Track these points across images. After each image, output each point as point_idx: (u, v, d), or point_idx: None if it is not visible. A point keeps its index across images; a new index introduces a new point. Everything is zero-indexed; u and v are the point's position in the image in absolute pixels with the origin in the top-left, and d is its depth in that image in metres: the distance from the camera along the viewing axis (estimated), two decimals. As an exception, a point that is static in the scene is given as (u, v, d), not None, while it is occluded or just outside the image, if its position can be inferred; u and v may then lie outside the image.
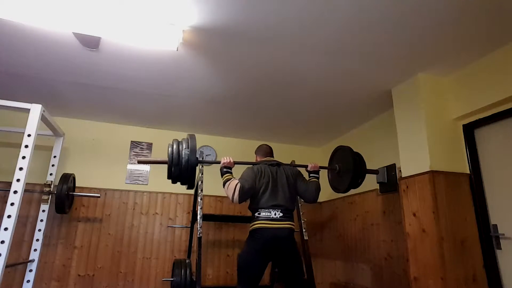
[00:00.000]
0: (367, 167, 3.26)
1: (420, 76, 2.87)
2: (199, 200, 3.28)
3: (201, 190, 3.35)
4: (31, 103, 2.91)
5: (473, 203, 2.67)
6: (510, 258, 2.43)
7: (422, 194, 2.67)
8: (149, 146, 4.46)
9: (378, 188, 3.64)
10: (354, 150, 3.18)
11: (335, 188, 3.18)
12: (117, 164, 4.27)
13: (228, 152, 4.67)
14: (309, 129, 4.43)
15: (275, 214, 2.44)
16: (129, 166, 4.32)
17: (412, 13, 2.14)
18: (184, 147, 2.54)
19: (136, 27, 2.28)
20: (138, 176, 4.32)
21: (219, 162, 2.71)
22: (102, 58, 2.80)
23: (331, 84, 3.13)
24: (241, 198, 2.46)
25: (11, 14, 2.11)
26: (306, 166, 2.90)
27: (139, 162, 2.70)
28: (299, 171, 2.83)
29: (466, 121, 2.81)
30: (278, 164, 2.74)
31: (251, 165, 2.75)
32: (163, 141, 4.50)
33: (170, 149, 2.59)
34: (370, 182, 3.72)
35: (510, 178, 2.48)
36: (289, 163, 3.64)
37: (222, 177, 2.62)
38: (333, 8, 2.11)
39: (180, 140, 2.68)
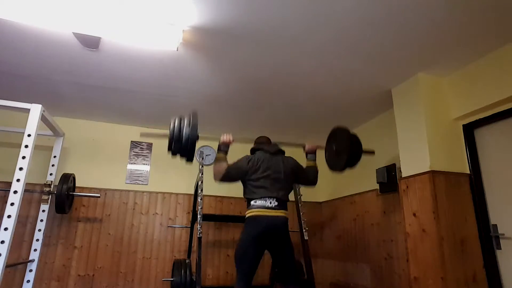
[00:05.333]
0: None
1: (420, 76, 2.87)
2: (199, 200, 3.28)
3: (201, 190, 3.36)
4: (31, 103, 2.91)
5: (473, 203, 2.67)
6: (510, 258, 2.43)
7: (422, 194, 2.67)
8: (149, 146, 4.46)
9: (378, 188, 3.64)
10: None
11: (332, 167, 3.15)
12: (117, 164, 4.27)
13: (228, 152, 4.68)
14: (309, 129, 4.43)
15: (270, 203, 2.49)
16: (129, 166, 4.32)
17: (412, 13, 2.14)
18: (185, 123, 2.58)
19: (136, 27, 2.28)
20: (138, 176, 4.32)
21: (219, 138, 2.72)
22: (102, 58, 2.80)
23: (331, 84, 3.13)
24: (222, 181, 2.61)
25: (11, 14, 2.11)
26: (303, 146, 2.91)
27: (142, 135, 2.75)
28: (297, 164, 2.79)
29: (466, 121, 2.81)
30: (277, 151, 2.71)
31: (249, 156, 2.73)
32: (163, 141, 4.49)
33: (172, 124, 2.61)
34: (370, 182, 3.73)
35: (510, 178, 2.48)
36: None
37: (217, 153, 2.72)
38: (333, 8, 2.11)
39: (182, 116, 2.68)
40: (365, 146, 4.03)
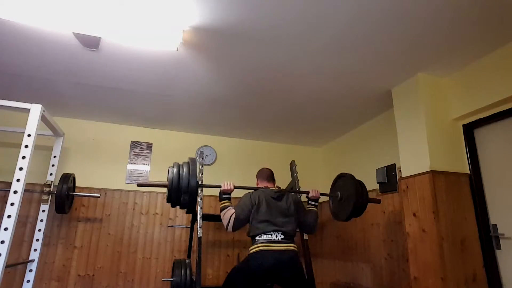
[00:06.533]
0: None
1: (420, 76, 2.87)
2: (199, 200, 3.28)
3: (201, 190, 3.35)
4: (31, 103, 2.91)
5: (473, 203, 2.68)
6: (510, 258, 2.43)
7: (422, 194, 2.67)
8: (149, 146, 4.46)
9: (378, 188, 3.64)
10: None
11: (336, 216, 3.12)
12: (117, 164, 4.27)
13: (228, 152, 4.70)
14: (309, 129, 4.43)
15: (276, 236, 2.39)
16: (129, 166, 4.32)
17: (412, 13, 2.14)
18: (184, 171, 2.49)
19: (136, 27, 2.28)
20: (138, 176, 4.31)
21: (219, 186, 2.67)
22: (102, 58, 2.80)
23: (331, 84, 3.13)
24: (235, 228, 2.48)
25: (11, 14, 2.11)
26: (307, 193, 2.87)
27: (139, 185, 2.61)
28: (300, 200, 2.79)
29: (466, 121, 2.81)
30: (279, 196, 2.66)
31: (249, 192, 2.69)
32: (163, 141, 4.50)
33: (170, 172, 2.53)
34: (370, 182, 3.72)
35: (510, 178, 2.48)
36: (289, 163, 3.66)
37: (220, 202, 2.63)
38: (334, 8, 2.11)
39: (180, 163, 2.63)
40: (365, 146, 4.05)
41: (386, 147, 3.55)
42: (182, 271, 3.20)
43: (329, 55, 2.65)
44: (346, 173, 2.99)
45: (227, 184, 2.62)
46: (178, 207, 2.59)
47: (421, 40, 2.42)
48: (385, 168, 3.51)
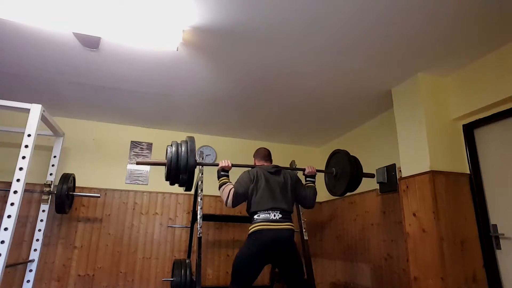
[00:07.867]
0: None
1: (420, 76, 2.87)
2: (199, 200, 3.28)
3: (201, 190, 3.36)
4: (31, 103, 2.91)
5: (473, 203, 2.67)
6: (510, 258, 2.43)
7: (422, 194, 2.67)
8: (149, 146, 4.46)
9: (378, 188, 3.64)
10: (354, 150, 3.18)
11: (332, 191, 3.16)
12: (117, 164, 4.28)
13: (228, 152, 4.70)
14: (309, 129, 4.43)
15: (274, 216, 2.43)
16: (129, 166, 4.32)
17: (412, 14, 2.14)
18: (183, 149, 2.52)
19: (136, 27, 2.28)
20: (138, 176, 4.32)
21: (217, 165, 2.69)
22: (102, 58, 2.80)
23: (331, 84, 3.13)
24: (235, 203, 2.50)
25: (11, 14, 2.11)
26: (303, 170, 2.90)
27: (138, 163, 2.67)
28: (298, 177, 2.80)
29: (466, 121, 2.81)
30: (276, 170, 2.69)
31: (248, 169, 2.73)
32: (163, 141, 4.50)
33: (169, 151, 2.56)
34: (370, 182, 3.72)
35: (510, 178, 2.48)
36: (289, 163, 3.66)
37: (218, 179, 2.63)
38: (333, 9, 2.11)
39: (179, 142, 2.67)
40: (365, 146, 4.05)
41: (386, 147, 3.55)
42: (182, 271, 3.20)
43: (329, 55, 2.65)
44: (340, 150, 3.01)
45: (224, 161, 2.66)
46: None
47: (421, 40, 2.42)
48: (385, 168, 3.51)
